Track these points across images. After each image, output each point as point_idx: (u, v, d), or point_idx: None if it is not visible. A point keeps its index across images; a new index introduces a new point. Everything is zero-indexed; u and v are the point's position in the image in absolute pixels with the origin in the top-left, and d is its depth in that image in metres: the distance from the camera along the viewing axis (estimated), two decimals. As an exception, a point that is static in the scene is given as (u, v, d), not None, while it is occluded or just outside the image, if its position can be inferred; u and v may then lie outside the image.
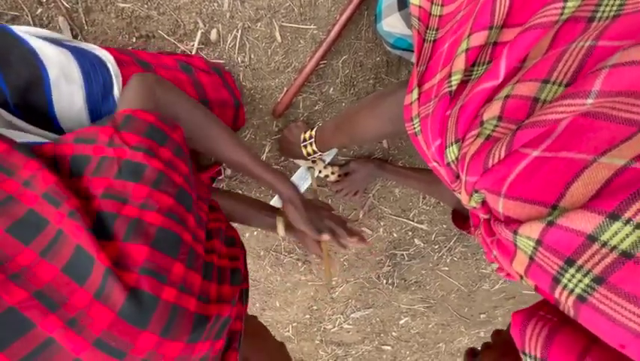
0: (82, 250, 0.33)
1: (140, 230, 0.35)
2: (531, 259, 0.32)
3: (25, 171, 0.36)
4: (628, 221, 0.25)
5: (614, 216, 0.26)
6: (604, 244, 0.26)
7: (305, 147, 0.97)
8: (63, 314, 0.31)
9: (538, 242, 0.30)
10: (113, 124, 0.41)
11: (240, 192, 1.19)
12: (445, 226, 1.36)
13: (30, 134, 0.51)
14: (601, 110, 0.29)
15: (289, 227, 0.79)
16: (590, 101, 0.29)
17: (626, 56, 0.27)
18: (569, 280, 0.29)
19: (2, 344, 0.29)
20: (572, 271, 0.28)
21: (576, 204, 0.28)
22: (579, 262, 0.28)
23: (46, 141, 0.42)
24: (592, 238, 0.27)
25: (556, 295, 0.31)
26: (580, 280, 0.28)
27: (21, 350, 0.29)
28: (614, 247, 0.26)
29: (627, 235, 0.25)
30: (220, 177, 1.14)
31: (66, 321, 0.31)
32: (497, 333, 0.52)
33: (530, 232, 0.31)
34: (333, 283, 1.47)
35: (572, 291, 0.29)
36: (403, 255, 1.42)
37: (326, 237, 0.70)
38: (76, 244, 0.33)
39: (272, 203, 1.13)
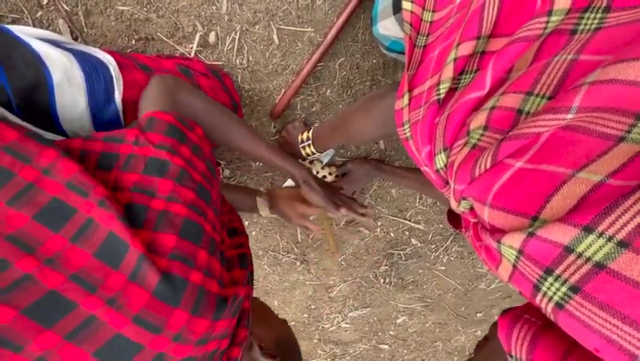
0: (115, 236, 0.35)
1: (168, 221, 0.38)
2: (514, 267, 0.34)
3: (43, 160, 0.37)
4: (601, 234, 0.26)
5: (588, 229, 0.27)
6: (579, 255, 0.27)
7: (303, 148, 0.98)
8: (102, 294, 0.33)
9: (520, 252, 0.32)
10: (138, 126, 0.44)
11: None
12: (441, 225, 1.37)
13: (49, 133, 0.53)
14: (580, 123, 0.30)
15: (272, 205, 0.86)
16: (570, 116, 0.30)
17: (604, 74, 0.28)
18: (548, 289, 0.30)
19: (48, 323, 0.32)
20: (550, 280, 0.29)
21: (555, 217, 0.30)
22: (557, 271, 0.29)
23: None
24: (568, 250, 0.28)
25: (537, 301, 0.32)
26: (558, 289, 0.29)
27: (66, 327, 0.32)
28: (589, 258, 0.27)
29: (600, 247, 0.26)
30: (219, 177, 1.16)
31: (106, 300, 0.33)
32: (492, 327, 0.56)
33: (513, 241, 0.32)
34: (339, 260, 1.46)
35: (550, 298, 0.30)
36: (400, 254, 1.43)
37: (344, 210, 0.76)
38: (109, 231, 0.36)
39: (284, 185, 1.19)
